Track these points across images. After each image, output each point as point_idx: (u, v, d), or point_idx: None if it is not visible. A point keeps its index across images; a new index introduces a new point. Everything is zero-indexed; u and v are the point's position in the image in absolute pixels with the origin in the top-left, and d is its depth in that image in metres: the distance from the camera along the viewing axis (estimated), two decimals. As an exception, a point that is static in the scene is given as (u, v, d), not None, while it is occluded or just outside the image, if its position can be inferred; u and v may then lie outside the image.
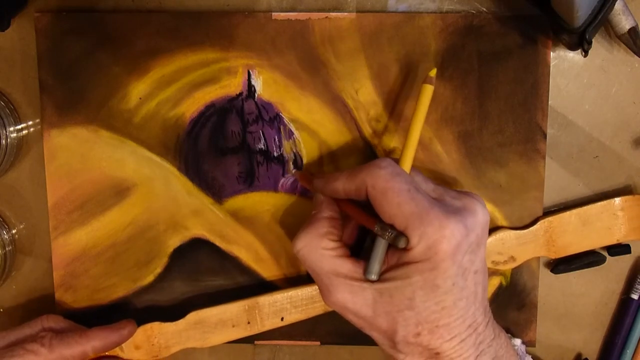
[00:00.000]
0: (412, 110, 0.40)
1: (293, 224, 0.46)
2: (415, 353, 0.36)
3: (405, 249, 0.35)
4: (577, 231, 0.45)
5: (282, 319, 0.45)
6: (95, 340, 0.41)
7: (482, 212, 0.37)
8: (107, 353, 0.44)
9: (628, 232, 0.45)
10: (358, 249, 0.40)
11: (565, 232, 0.45)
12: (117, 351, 0.44)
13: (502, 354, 0.37)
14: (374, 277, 0.36)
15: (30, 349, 0.39)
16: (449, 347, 0.35)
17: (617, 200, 0.45)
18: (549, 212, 0.46)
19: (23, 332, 0.42)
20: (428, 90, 0.40)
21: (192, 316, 0.45)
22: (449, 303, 0.35)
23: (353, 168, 0.38)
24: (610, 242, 0.45)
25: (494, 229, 0.45)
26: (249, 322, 0.45)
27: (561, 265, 0.46)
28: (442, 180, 0.45)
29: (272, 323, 0.45)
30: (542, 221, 0.45)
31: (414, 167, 0.40)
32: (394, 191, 0.35)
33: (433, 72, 0.40)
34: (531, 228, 0.45)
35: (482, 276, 0.36)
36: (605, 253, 0.46)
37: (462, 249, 0.35)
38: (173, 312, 0.45)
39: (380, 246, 0.36)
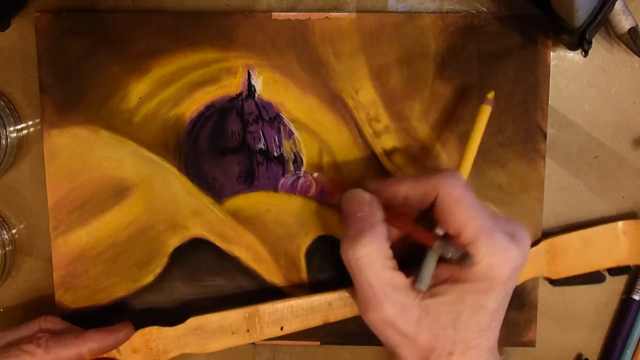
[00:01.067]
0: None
1: (293, 224, 0.46)
2: None
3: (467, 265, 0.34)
4: (579, 253, 0.45)
5: (281, 328, 0.44)
6: (91, 342, 0.41)
7: (528, 242, 0.37)
8: (104, 355, 0.43)
9: (629, 255, 0.45)
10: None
11: (567, 254, 0.45)
12: (114, 354, 0.44)
13: None
14: (424, 287, 0.35)
15: (26, 350, 0.39)
16: None
17: (620, 224, 0.45)
18: (549, 234, 0.46)
19: (20, 333, 0.42)
20: (486, 111, 0.41)
21: (192, 322, 0.44)
22: (485, 325, 0.35)
23: (420, 173, 0.38)
24: (611, 265, 0.45)
25: None
26: (248, 330, 0.44)
27: (561, 278, 0.46)
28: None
29: (271, 332, 0.44)
30: (544, 242, 0.45)
31: None
32: (468, 202, 0.35)
33: (491, 95, 0.41)
34: (533, 248, 0.45)
35: (508, 301, 0.37)
36: (605, 272, 0.47)
37: (515, 274, 0.35)
38: (173, 312, 0.45)
39: (432, 257, 0.36)
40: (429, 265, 0.36)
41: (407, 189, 0.37)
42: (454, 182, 0.36)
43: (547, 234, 0.46)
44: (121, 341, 0.43)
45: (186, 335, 0.44)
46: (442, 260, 0.36)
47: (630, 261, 0.45)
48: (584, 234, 0.45)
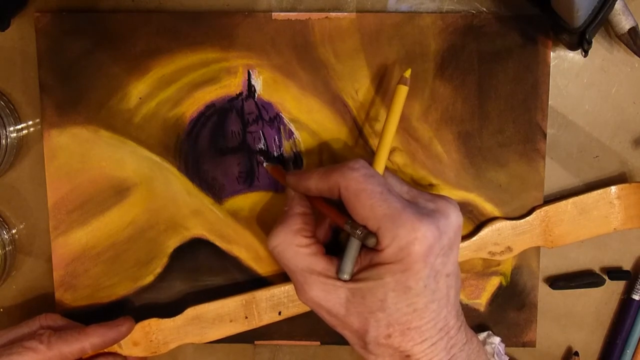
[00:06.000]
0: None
1: (293, 224, 0.46)
2: (386, 355, 0.35)
3: (378, 250, 0.35)
4: (574, 220, 0.45)
5: (279, 313, 0.45)
6: (93, 337, 0.41)
7: (455, 215, 0.37)
8: (105, 350, 0.44)
9: (625, 220, 0.45)
10: (333, 246, 0.40)
11: (562, 222, 0.45)
12: (115, 348, 0.44)
13: (473, 358, 0.37)
14: (346, 276, 0.36)
15: (28, 346, 0.39)
16: (419, 350, 0.35)
17: (613, 188, 0.45)
18: (545, 202, 0.45)
19: (22, 331, 0.42)
20: (402, 91, 0.40)
21: (190, 312, 0.45)
22: (421, 305, 0.35)
23: (326, 167, 0.38)
24: (607, 231, 0.45)
25: (489, 219, 0.45)
26: (246, 317, 0.45)
27: (560, 281, 0.46)
28: (442, 180, 0.45)
29: (269, 317, 0.45)
30: (538, 211, 0.45)
31: (387, 169, 0.40)
32: (366, 193, 0.35)
33: (407, 73, 0.40)
34: (527, 218, 0.45)
35: (454, 279, 0.36)
36: (604, 276, 0.47)
37: (434, 251, 0.34)
38: (173, 311, 0.45)
39: (353, 246, 0.36)
40: (350, 254, 0.36)
41: (315, 184, 0.38)
42: (351, 175, 0.36)
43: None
44: (123, 335, 0.43)
45: (185, 325, 0.45)
46: (364, 246, 0.36)
47: (627, 226, 0.45)
48: (577, 200, 0.45)
